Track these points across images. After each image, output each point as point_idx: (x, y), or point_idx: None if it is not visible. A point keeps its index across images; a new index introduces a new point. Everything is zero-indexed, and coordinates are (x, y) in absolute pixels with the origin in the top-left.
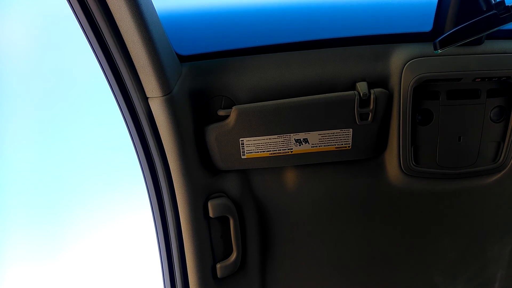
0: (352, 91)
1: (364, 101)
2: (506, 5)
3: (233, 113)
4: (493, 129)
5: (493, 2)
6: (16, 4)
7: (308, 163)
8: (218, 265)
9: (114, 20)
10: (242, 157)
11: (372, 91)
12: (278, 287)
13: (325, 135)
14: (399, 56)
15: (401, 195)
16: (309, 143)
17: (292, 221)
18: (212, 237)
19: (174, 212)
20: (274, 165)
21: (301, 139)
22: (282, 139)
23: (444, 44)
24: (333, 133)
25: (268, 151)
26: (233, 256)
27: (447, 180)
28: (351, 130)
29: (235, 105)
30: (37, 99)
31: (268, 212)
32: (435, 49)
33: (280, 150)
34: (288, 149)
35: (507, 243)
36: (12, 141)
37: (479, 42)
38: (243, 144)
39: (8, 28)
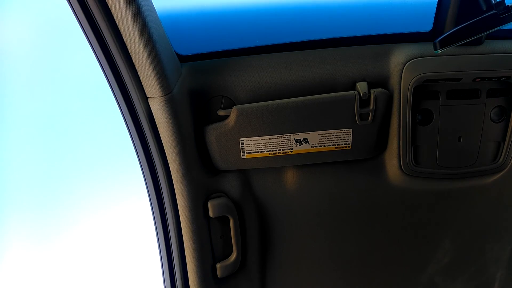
0: (352, 91)
1: (364, 101)
2: (506, 5)
3: (233, 113)
4: (493, 129)
5: (493, 2)
6: (16, 4)
7: (308, 163)
8: (218, 265)
9: (114, 20)
10: (242, 157)
11: (372, 91)
12: (278, 286)
13: (325, 135)
14: (399, 56)
15: (401, 195)
16: (309, 143)
17: (292, 221)
18: (212, 237)
19: (174, 212)
20: (274, 165)
21: (301, 139)
22: (282, 139)
23: (444, 44)
24: (333, 133)
25: (268, 151)
26: (233, 256)
27: (447, 180)
28: (351, 130)
29: (235, 105)
30: (37, 99)
31: (268, 212)
32: (435, 49)
33: (280, 150)
34: (288, 149)
35: (507, 243)
36: (13, 142)
37: (479, 42)
38: (243, 144)
39: (7, 28)
